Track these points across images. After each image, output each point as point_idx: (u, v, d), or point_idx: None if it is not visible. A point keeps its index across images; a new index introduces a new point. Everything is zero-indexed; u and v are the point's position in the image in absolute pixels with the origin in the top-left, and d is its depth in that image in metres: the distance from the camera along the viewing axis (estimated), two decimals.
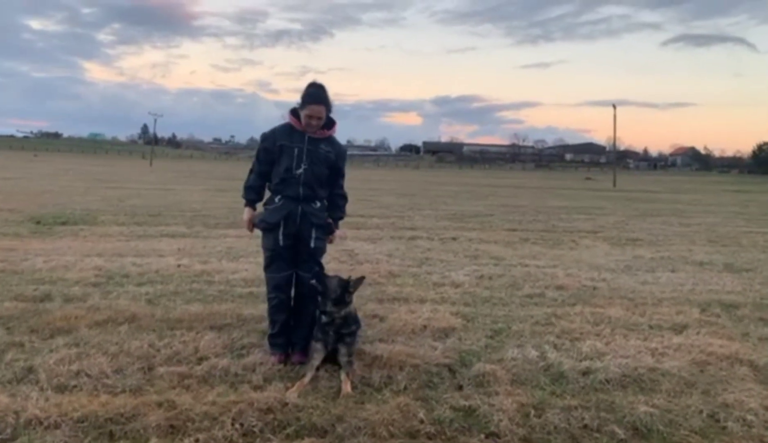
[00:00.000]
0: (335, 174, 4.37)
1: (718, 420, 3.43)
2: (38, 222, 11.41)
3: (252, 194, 4.37)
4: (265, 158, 4.28)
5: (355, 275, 4.38)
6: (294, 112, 4.20)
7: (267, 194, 4.39)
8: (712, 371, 4.18)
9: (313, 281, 4.12)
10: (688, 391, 3.83)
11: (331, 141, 4.30)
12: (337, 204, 4.46)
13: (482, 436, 3.20)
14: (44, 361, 3.95)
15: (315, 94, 4.11)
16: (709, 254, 9.80)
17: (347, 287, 4.16)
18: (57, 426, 3.11)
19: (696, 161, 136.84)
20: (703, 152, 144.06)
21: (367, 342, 4.57)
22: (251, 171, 4.41)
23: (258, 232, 4.40)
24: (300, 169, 4.15)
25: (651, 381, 3.97)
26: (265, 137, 4.30)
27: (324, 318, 4.09)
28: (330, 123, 4.24)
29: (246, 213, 4.38)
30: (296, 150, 4.15)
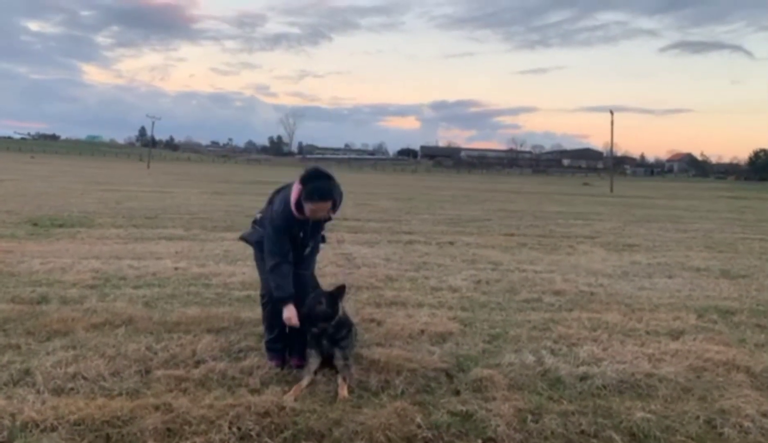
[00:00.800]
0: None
1: (714, 427, 3.43)
2: (35, 224, 11.39)
3: (290, 289, 4.01)
4: (283, 239, 4.02)
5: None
6: (297, 202, 3.92)
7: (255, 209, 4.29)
8: (708, 377, 4.19)
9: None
10: (685, 397, 3.84)
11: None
12: None
13: (479, 441, 3.20)
14: (41, 364, 3.94)
15: (322, 190, 3.86)
16: (706, 260, 9.82)
17: (335, 300, 4.14)
18: (53, 428, 3.10)
19: (693, 167, 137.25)
20: (699, 158, 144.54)
21: (365, 346, 4.57)
22: (276, 265, 4.00)
23: None
24: (306, 250, 4.22)
25: (648, 386, 3.97)
26: (282, 229, 4.00)
27: (316, 330, 4.08)
28: (333, 205, 4.01)
29: (287, 312, 3.99)
30: (302, 234, 4.10)
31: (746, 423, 3.44)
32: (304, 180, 3.88)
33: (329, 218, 4.25)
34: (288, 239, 4.05)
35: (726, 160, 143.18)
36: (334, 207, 4.03)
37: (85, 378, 3.75)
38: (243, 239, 4.51)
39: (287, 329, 4.17)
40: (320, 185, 3.85)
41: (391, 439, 3.16)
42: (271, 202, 4.23)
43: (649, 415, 3.48)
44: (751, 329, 5.50)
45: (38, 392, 3.54)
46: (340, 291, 4.22)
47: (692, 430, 3.37)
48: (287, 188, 4.10)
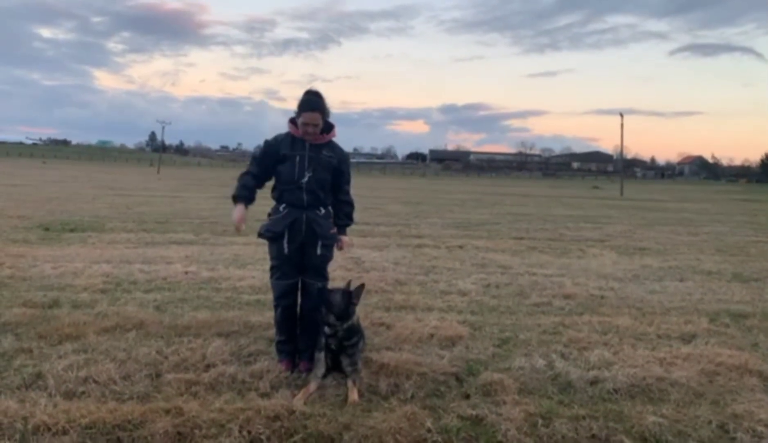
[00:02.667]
0: (339, 179, 4.34)
1: (727, 431, 3.41)
2: (47, 229, 11.48)
3: (245, 192, 4.23)
4: (263, 161, 4.27)
5: (360, 282, 4.36)
6: (293, 120, 4.21)
7: (272, 204, 4.34)
8: (721, 381, 4.16)
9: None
10: (697, 401, 3.81)
11: (332, 146, 4.29)
12: (344, 211, 4.42)
13: None
14: (52, 367, 3.97)
15: (310, 101, 4.11)
16: (718, 263, 9.74)
17: (350, 298, 4.15)
18: (65, 432, 3.12)
19: (704, 170, 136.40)
20: (711, 160, 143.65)
21: (374, 350, 4.57)
22: (246, 173, 4.31)
23: (262, 241, 4.38)
24: (304, 177, 4.14)
25: (659, 390, 3.95)
26: (268, 143, 4.29)
27: (327, 330, 4.08)
28: (329, 127, 4.24)
29: (237, 211, 4.18)
30: (298, 158, 4.14)
31: (759, 428, 3.41)
32: (300, 100, 4.15)
33: (343, 174, 4.35)
34: (275, 159, 4.21)
35: (737, 162, 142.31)
36: (329, 129, 4.23)
37: (96, 382, 3.77)
38: (261, 234, 4.40)
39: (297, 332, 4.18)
40: (308, 99, 4.12)
41: None
42: None
43: (660, 420, 3.46)
44: (763, 333, 5.45)
45: (50, 395, 3.56)
46: (357, 291, 4.20)
47: (704, 435, 3.35)
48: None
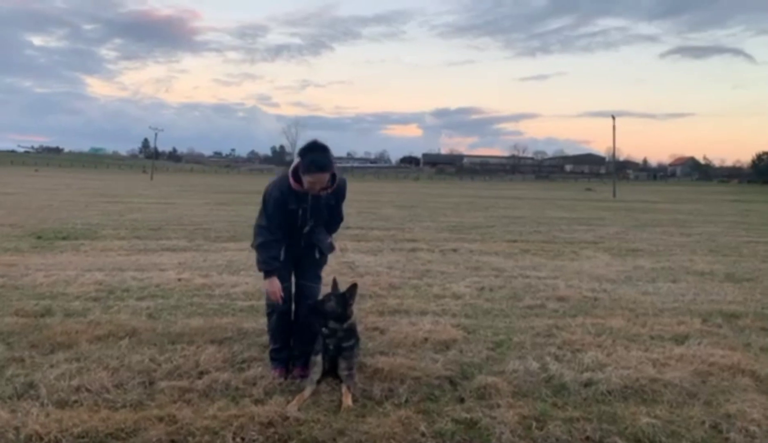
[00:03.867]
0: (334, 211, 4.35)
1: (720, 431, 3.42)
2: (39, 237, 11.41)
3: (276, 263, 4.07)
4: (277, 219, 4.07)
5: (352, 282, 4.36)
6: (295, 174, 3.98)
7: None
8: (714, 381, 4.17)
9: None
10: (690, 402, 3.82)
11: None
12: (335, 225, 4.50)
13: None
14: (44, 376, 3.94)
15: (318, 161, 3.88)
16: (710, 264, 9.79)
17: (346, 300, 4.15)
18: (57, 441, 3.10)
19: (696, 171, 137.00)
20: (702, 161, 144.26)
21: (368, 354, 4.56)
22: (261, 227, 4.09)
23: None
24: (306, 227, 4.17)
25: (653, 391, 3.96)
26: (277, 200, 4.03)
27: (326, 331, 4.09)
28: (332, 178, 4.06)
29: (272, 285, 4.05)
30: (301, 211, 4.09)
31: (752, 428, 3.43)
32: (302, 152, 3.94)
33: (339, 214, 4.36)
34: (283, 214, 4.06)
35: (729, 163, 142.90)
36: (333, 180, 4.06)
37: (88, 391, 3.75)
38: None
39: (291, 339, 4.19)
40: (317, 157, 3.89)
41: None
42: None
43: (654, 420, 3.47)
44: (756, 333, 5.47)
45: (42, 405, 3.53)
46: (351, 291, 4.18)
47: (698, 435, 3.36)
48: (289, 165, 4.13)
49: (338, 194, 4.24)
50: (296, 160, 4.01)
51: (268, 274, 4.07)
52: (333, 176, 4.04)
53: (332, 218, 4.37)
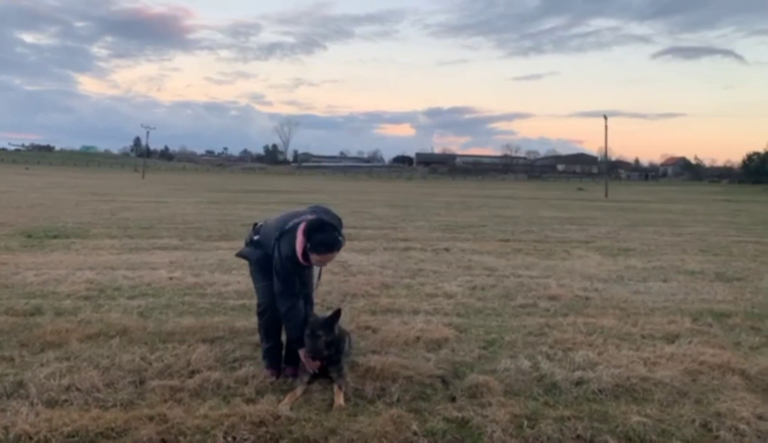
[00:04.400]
0: None
1: (710, 430, 3.44)
2: (29, 236, 11.34)
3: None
4: (295, 278, 4.07)
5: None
6: (304, 254, 3.94)
7: (260, 214, 4.36)
8: (704, 380, 4.20)
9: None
10: (681, 400, 3.84)
11: None
12: None
13: None
14: (34, 375, 3.92)
15: (329, 242, 3.88)
16: (701, 263, 9.85)
17: (330, 328, 4.07)
18: (47, 441, 3.08)
19: (687, 171, 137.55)
20: (693, 162, 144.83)
21: (360, 353, 4.56)
22: (290, 303, 4.04)
23: None
24: (317, 285, 4.49)
25: (643, 390, 3.98)
26: (292, 260, 3.98)
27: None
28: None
29: (309, 361, 4.01)
30: (307, 270, 4.23)
31: (742, 426, 3.45)
32: (309, 232, 3.88)
33: None
34: (296, 277, 4.09)
35: (720, 163, 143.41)
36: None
37: (79, 390, 3.73)
38: (242, 256, 4.47)
39: (282, 338, 4.19)
40: (326, 238, 3.87)
41: None
42: (277, 238, 4.07)
43: (644, 419, 3.48)
44: (745, 332, 5.51)
45: (32, 404, 3.51)
46: (335, 317, 4.14)
47: (688, 433, 3.38)
48: (292, 231, 4.01)
49: None
50: (300, 239, 3.91)
51: (300, 343, 4.04)
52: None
53: None
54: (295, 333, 4.05)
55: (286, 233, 4.05)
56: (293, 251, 3.96)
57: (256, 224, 4.47)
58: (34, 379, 3.85)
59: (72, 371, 4.02)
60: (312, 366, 4.01)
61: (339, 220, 4.12)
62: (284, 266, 4.00)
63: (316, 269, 4.43)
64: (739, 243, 13.21)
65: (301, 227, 3.94)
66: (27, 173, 63.37)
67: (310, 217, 4.01)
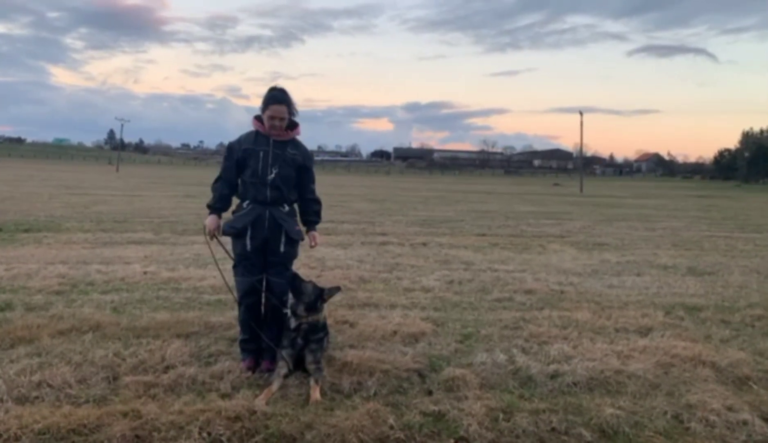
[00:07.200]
0: (305, 177, 4.38)
1: (681, 421, 3.49)
2: (0, 229, 11.11)
3: (219, 203, 4.34)
4: (230, 165, 4.29)
5: (326, 282, 4.37)
6: (258, 117, 4.24)
7: (235, 202, 4.35)
8: (676, 372, 4.26)
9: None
10: (653, 393, 3.90)
11: (296, 144, 4.33)
12: (312, 209, 4.51)
13: (452, 441, 3.20)
14: (4, 372, 3.84)
15: (276, 95, 4.16)
16: (673, 258, 10.01)
17: (321, 294, 4.18)
18: (17, 438, 3.02)
19: (660, 167, 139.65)
20: (667, 158, 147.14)
21: (337, 348, 4.56)
22: (217, 180, 4.38)
23: (225, 239, 4.36)
24: (270, 174, 4.15)
25: (617, 383, 4.03)
26: (231, 144, 4.34)
27: (293, 322, 4.07)
28: (293, 125, 4.28)
29: (210, 220, 4.30)
30: (262, 153, 4.17)
31: (712, 417, 3.51)
32: (264, 96, 4.21)
33: (308, 172, 4.40)
34: (243, 159, 4.22)
35: (692, 160, 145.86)
36: (291, 110, 4.22)
37: (50, 386, 3.66)
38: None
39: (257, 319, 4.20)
40: (275, 93, 4.17)
41: (363, 441, 3.14)
42: None
43: (618, 411, 3.53)
44: (716, 325, 5.61)
45: (1, 401, 3.43)
46: (331, 290, 4.29)
47: (660, 425, 3.43)
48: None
49: (304, 153, 4.37)
50: (254, 121, 4.27)
51: (211, 210, 4.32)
52: (292, 122, 4.26)
53: (302, 183, 4.38)
54: (211, 201, 4.35)
55: None
56: (246, 133, 4.31)
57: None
58: (4, 375, 3.77)
59: (43, 367, 3.95)
60: (209, 228, 4.26)
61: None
62: (228, 146, 4.35)
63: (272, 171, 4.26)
64: (711, 238, 13.46)
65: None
66: None
67: None
